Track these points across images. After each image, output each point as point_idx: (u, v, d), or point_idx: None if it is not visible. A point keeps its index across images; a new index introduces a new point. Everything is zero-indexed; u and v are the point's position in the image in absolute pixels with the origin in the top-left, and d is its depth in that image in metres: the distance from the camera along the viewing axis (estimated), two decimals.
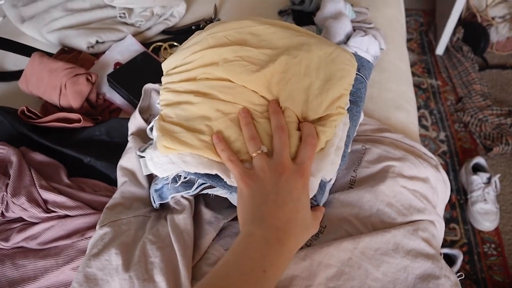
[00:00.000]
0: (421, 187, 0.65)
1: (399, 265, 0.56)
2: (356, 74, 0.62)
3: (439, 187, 0.70)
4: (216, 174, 0.54)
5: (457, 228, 1.41)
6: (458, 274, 0.61)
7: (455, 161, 1.58)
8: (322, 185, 0.57)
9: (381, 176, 0.63)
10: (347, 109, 0.60)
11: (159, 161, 0.55)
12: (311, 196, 0.53)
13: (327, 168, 0.54)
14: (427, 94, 1.79)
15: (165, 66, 0.63)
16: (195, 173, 0.54)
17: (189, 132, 0.54)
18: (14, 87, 0.86)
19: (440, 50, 1.90)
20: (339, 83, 0.57)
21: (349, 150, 0.61)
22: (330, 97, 0.56)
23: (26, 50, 0.92)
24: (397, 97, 0.83)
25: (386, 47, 0.88)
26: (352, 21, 0.88)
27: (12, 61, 0.94)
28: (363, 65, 0.66)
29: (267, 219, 0.45)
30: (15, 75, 0.89)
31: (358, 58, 0.66)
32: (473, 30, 1.85)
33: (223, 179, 0.53)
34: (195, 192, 0.59)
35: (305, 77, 0.57)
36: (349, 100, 0.60)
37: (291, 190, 0.47)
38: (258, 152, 0.51)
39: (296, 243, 0.48)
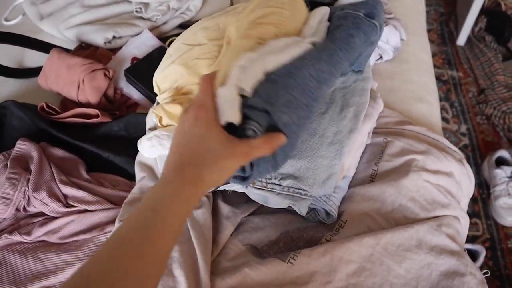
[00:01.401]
0: (445, 181, 0.63)
1: (422, 262, 0.55)
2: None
3: (463, 182, 0.68)
4: None
5: (479, 223, 1.37)
6: (484, 271, 0.59)
7: (477, 155, 1.53)
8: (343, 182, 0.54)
9: (404, 170, 0.62)
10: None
11: (143, 145, 0.64)
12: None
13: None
14: (448, 86, 1.74)
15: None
16: None
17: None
18: (34, 84, 0.87)
19: (461, 40, 1.84)
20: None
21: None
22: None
23: (44, 47, 0.93)
24: (418, 89, 0.80)
25: (406, 38, 0.86)
26: None
27: (31, 58, 0.95)
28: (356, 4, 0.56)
29: (172, 160, 0.43)
30: (35, 71, 0.90)
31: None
32: (497, 19, 1.79)
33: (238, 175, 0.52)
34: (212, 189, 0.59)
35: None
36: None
37: (183, 125, 0.44)
38: None
39: (199, 176, 0.41)
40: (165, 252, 0.39)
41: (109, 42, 0.92)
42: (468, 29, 1.79)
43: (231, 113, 0.44)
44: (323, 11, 0.59)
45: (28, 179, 0.66)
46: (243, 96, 0.46)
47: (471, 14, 1.73)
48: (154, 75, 0.72)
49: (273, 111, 0.44)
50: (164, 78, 0.70)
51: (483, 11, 1.79)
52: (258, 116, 0.45)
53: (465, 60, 1.80)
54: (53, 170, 0.68)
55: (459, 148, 1.54)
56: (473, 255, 1.25)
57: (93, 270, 0.35)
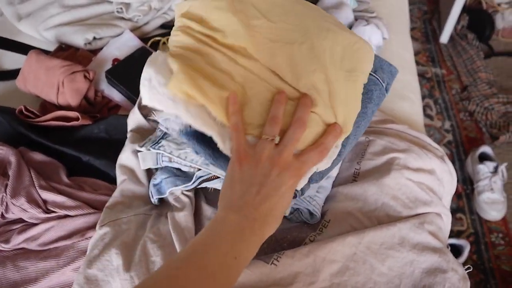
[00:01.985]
0: (426, 179, 0.63)
1: (405, 259, 0.55)
2: (371, 75, 0.57)
3: (445, 178, 0.68)
4: (209, 145, 0.51)
5: (463, 218, 1.39)
6: (466, 266, 0.60)
7: (460, 151, 1.55)
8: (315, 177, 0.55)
9: (385, 169, 0.62)
10: None
11: (160, 90, 0.48)
12: (299, 188, 0.51)
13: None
14: (432, 83, 1.76)
15: (180, 7, 0.56)
16: (185, 132, 0.51)
17: (208, 81, 0.49)
18: (12, 86, 0.85)
19: (444, 38, 1.87)
20: (363, 76, 0.55)
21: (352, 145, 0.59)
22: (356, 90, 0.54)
23: (23, 48, 0.91)
24: (401, 87, 0.81)
25: (389, 37, 0.86)
26: (354, 11, 0.86)
27: (10, 59, 0.93)
28: (381, 67, 0.60)
29: (247, 209, 0.44)
30: (13, 73, 0.88)
31: (379, 60, 0.60)
32: (478, 17, 1.82)
33: (215, 155, 0.50)
34: (193, 186, 0.58)
35: (331, 67, 0.53)
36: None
37: (280, 186, 0.46)
38: (271, 138, 0.47)
39: (269, 233, 0.47)
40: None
41: (90, 43, 0.90)
42: (450, 27, 1.82)
43: None
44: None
45: (6, 185, 0.64)
46: None
47: (454, 12, 1.75)
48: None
49: None
50: (213, 13, 0.54)
51: (465, 9, 1.82)
52: None
53: (448, 57, 1.83)
54: (32, 175, 0.66)
55: (443, 145, 1.56)
56: (458, 250, 1.27)
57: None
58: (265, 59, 0.53)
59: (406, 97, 0.80)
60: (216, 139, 0.49)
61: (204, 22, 0.54)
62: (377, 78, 0.58)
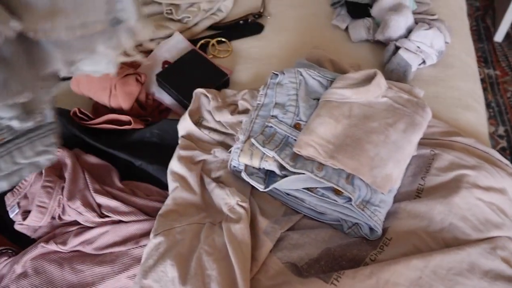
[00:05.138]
0: (498, 199, 0.59)
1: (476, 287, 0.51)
2: None
3: None
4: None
5: None
6: None
7: None
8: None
9: (454, 186, 0.58)
10: None
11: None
12: None
13: None
14: (484, 85, 1.66)
15: None
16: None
17: None
18: (67, 88, 0.87)
19: (499, 36, 1.75)
20: None
21: None
22: None
23: None
24: (464, 96, 0.75)
25: (451, 40, 0.81)
26: (413, 13, 0.81)
27: None
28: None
29: None
30: (69, 76, 0.89)
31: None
32: None
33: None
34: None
35: None
36: None
37: None
38: None
39: None
40: None
41: (140, 45, 0.90)
42: (507, 24, 1.71)
43: None
44: None
45: (63, 187, 0.65)
46: None
47: (511, 8, 1.64)
48: None
49: None
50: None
51: None
52: None
53: (503, 57, 1.72)
54: (87, 178, 0.67)
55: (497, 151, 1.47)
56: None
57: None
58: None
59: (471, 106, 0.74)
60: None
61: None
62: None
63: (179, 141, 0.71)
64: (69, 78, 0.84)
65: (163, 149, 0.72)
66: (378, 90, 0.64)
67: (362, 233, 0.58)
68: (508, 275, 0.52)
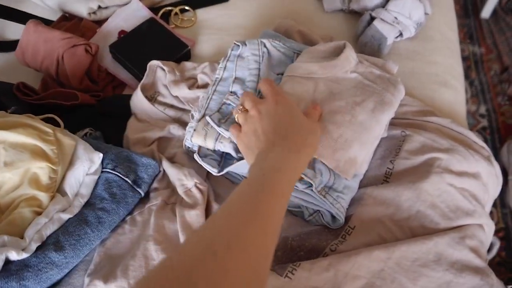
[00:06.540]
0: (470, 184, 0.55)
1: (440, 280, 0.48)
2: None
3: (490, 183, 0.59)
4: None
5: (494, 211, 1.30)
6: (510, 286, 0.52)
7: (495, 138, 1.43)
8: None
9: (424, 171, 0.53)
10: None
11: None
12: None
13: None
14: (468, 62, 1.62)
15: None
16: None
17: None
18: (13, 59, 0.79)
19: (486, 13, 1.69)
20: None
21: None
22: None
23: (26, 18, 0.84)
24: (443, 72, 0.70)
25: (431, 11, 0.75)
26: None
27: (13, 29, 0.86)
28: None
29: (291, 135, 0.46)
30: (14, 45, 0.81)
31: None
32: None
33: None
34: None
35: None
36: None
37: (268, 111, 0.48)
38: None
39: (312, 152, 0.49)
40: (278, 211, 0.39)
41: (94, 12, 0.82)
42: (494, 0, 1.64)
43: None
44: None
45: None
46: None
47: None
48: None
49: None
50: None
51: None
52: None
53: (489, 34, 1.67)
54: None
55: (477, 131, 1.44)
56: None
57: (210, 227, 0.36)
58: None
59: (449, 83, 0.69)
60: None
61: None
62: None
63: (129, 122, 0.65)
64: (15, 48, 0.76)
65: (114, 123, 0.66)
66: (347, 65, 0.58)
67: (324, 221, 0.54)
68: (475, 265, 0.48)
